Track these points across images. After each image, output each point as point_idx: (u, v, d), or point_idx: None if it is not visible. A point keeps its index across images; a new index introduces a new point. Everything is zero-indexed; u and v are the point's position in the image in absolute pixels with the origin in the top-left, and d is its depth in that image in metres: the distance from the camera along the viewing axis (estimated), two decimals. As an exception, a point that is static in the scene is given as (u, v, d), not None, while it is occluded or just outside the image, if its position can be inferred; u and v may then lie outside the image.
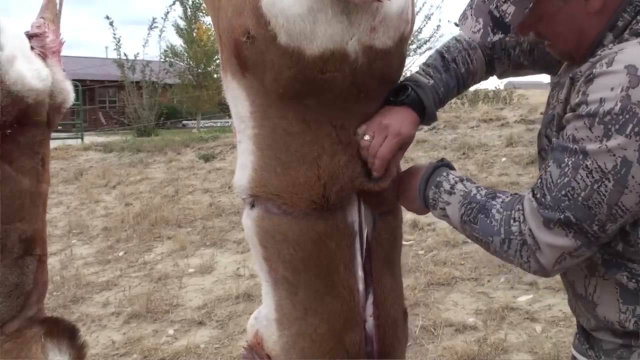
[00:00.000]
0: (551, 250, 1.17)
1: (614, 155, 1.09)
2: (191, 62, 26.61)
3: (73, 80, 2.09)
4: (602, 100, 1.10)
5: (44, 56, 1.89)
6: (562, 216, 1.14)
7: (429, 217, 4.76)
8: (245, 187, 1.39)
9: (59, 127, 14.93)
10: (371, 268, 1.39)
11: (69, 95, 1.98)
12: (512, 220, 1.21)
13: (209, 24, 25.59)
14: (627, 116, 1.07)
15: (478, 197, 1.28)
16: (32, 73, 1.80)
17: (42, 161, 1.90)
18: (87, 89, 22.73)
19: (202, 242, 6.12)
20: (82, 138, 14.83)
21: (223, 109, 32.19)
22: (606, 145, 1.09)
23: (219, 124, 27.85)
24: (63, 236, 6.88)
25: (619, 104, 1.08)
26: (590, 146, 1.11)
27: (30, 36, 1.89)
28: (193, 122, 27.24)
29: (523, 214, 1.20)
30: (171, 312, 4.57)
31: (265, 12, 1.20)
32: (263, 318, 1.48)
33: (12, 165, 1.79)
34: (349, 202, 1.35)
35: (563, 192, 1.14)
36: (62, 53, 1.98)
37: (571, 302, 1.42)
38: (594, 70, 1.14)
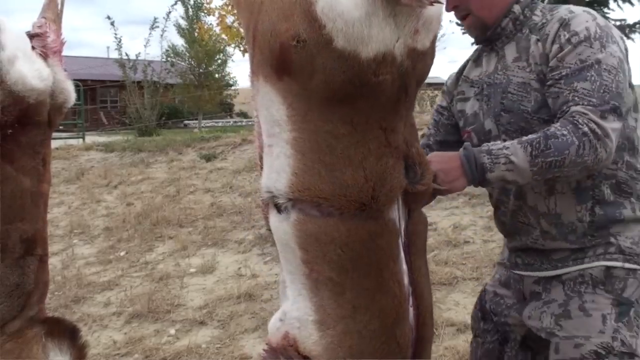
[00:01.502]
0: (614, 134, 1.57)
1: (614, 56, 1.62)
2: (192, 62, 26.67)
3: (74, 80, 2.09)
4: (587, 29, 1.63)
5: (45, 56, 1.88)
6: (609, 106, 1.57)
7: (430, 218, 4.75)
8: (284, 191, 1.38)
9: (60, 127, 14.94)
10: (410, 259, 1.43)
11: (70, 95, 1.98)
12: (578, 126, 1.55)
13: (210, 23, 25.62)
14: (604, 33, 1.64)
15: (532, 136, 1.58)
16: (33, 73, 1.80)
17: (43, 161, 1.90)
18: (88, 88, 22.72)
19: (203, 242, 6.12)
20: (83, 138, 14.83)
21: (224, 109, 32.28)
22: (607, 51, 1.61)
23: (220, 124, 27.90)
24: (64, 236, 6.88)
25: (597, 28, 1.64)
26: (599, 56, 1.60)
27: (32, 36, 1.89)
28: (194, 121, 27.28)
29: (585, 117, 1.56)
30: (172, 312, 4.57)
31: (320, 15, 1.21)
32: (294, 320, 1.47)
33: (13, 165, 1.79)
34: (395, 200, 1.38)
35: (602, 90, 1.58)
36: (64, 53, 1.98)
37: (521, 227, 1.85)
38: (564, 18, 1.67)
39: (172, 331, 4.27)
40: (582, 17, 1.67)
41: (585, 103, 1.57)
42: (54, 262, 5.71)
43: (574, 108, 1.58)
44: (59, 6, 2.04)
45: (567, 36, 1.64)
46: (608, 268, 1.76)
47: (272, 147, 1.39)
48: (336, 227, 1.33)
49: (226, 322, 4.31)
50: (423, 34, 1.30)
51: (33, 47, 1.86)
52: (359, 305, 1.38)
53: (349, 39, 1.21)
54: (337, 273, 1.37)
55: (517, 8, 1.77)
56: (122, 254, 6.13)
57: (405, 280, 1.41)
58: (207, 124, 27.30)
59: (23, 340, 1.80)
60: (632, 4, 20.34)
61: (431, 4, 1.23)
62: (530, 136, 1.58)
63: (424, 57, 1.35)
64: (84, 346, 1.97)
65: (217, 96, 28.19)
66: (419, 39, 1.29)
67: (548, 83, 1.66)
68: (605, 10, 20.97)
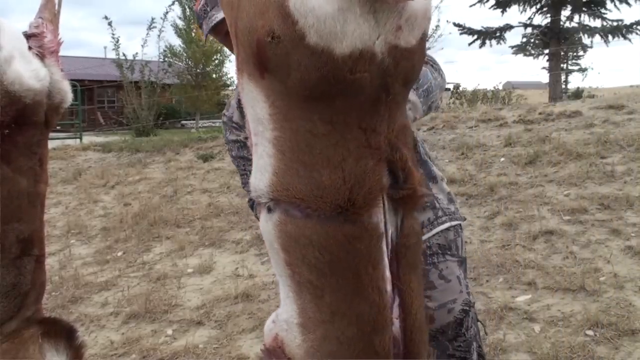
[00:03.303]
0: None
1: None
2: (190, 62, 26.66)
3: (71, 80, 2.08)
4: None
5: (42, 56, 1.88)
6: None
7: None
8: (265, 190, 1.35)
9: (58, 127, 14.93)
10: (398, 272, 1.38)
11: (67, 95, 1.97)
12: (429, 67, 1.91)
13: (208, 24, 25.57)
14: None
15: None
16: (30, 73, 1.80)
17: (40, 161, 1.89)
18: (85, 89, 22.71)
19: (200, 242, 6.12)
20: (80, 138, 14.83)
21: (222, 109, 32.25)
22: None
23: (217, 124, 27.85)
24: (62, 236, 6.87)
25: None
26: None
27: (29, 36, 1.88)
28: (192, 122, 27.29)
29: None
30: (170, 312, 4.57)
31: (292, 11, 1.18)
32: (283, 322, 1.45)
33: (10, 165, 1.78)
34: (379, 204, 1.33)
35: None
36: (61, 53, 1.97)
37: None
38: None
39: (170, 331, 4.27)
40: None
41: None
42: (51, 262, 5.71)
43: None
44: (56, 6, 2.04)
45: None
46: (444, 231, 2.05)
47: (257, 146, 1.38)
48: (314, 229, 1.30)
49: (223, 322, 4.31)
50: (406, 31, 1.25)
51: (30, 47, 1.86)
52: (337, 310, 1.35)
53: (321, 35, 1.18)
54: (317, 276, 1.34)
55: None
56: (119, 254, 6.13)
57: (388, 287, 1.36)
58: (205, 124, 27.27)
59: (20, 341, 1.80)
60: (629, 4, 20.40)
61: None
62: None
63: (410, 56, 1.30)
64: (81, 346, 1.96)
65: (215, 96, 28.16)
66: (401, 35, 1.25)
67: None
68: (603, 10, 21.04)
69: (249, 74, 1.33)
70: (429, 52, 1.93)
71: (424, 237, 2.03)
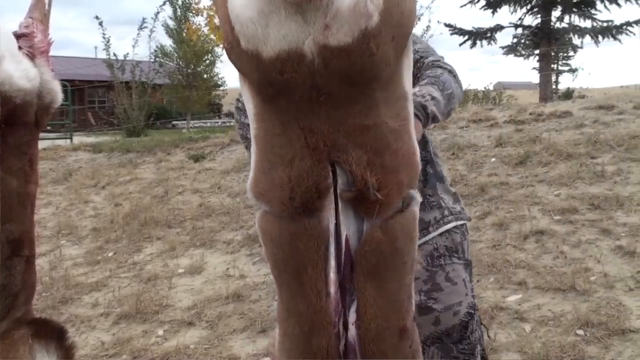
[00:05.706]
0: None
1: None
2: (181, 63, 26.65)
3: (62, 80, 2.07)
4: None
5: (32, 56, 1.88)
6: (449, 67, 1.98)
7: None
8: (249, 186, 1.42)
9: (48, 128, 14.87)
10: (352, 277, 1.37)
11: (58, 95, 1.97)
12: (444, 67, 1.94)
13: (199, 24, 25.65)
14: None
15: (425, 80, 1.87)
16: (20, 73, 1.79)
17: (30, 162, 1.89)
18: (76, 89, 22.62)
19: (191, 242, 6.11)
20: (71, 138, 14.77)
21: (213, 110, 32.24)
22: None
23: (208, 124, 27.88)
24: (52, 237, 6.85)
25: None
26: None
27: (19, 36, 1.88)
28: (183, 122, 27.27)
29: (441, 61, 1.97)
30: (161, 313, 4.56)
31: (230, 18, 1.24)
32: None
33: (0, 165, 1.78)
34: (323, 205, 1.33)
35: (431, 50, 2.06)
36: (51, 53, 1.97)
37: None
38: None
39: (161, 332, 4.26)
40: None
41: (430, 55, 1.97)
42: (41, 263, 5.68)
43: (428, 60, 1.95)
44: (47, 6, 2.03)
45: None
46: (451, 233, 2.07)
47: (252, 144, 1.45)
48: (272, 225, 1.36)
49: (214, 322, 4.30)
50: (335, 29, 1.21)
51: (20, 47, 1.86)
52: (289, 307, 1.40)
53: (248, 39, 1.22)
54: (277, 272, 1.41)
55: None
56: (110, 254, 6.12)
57: (332, 290, 1.35)
58: (196, 125, 27.27)
59: (10, 342, 1.79)
60: (619, 5, 20.50)
61: None
62: (423, 82, 1.87)
63: (344, 54, 1.24)
64: (72, 347, 1.96)
65: (206, 97, 28.17)
66: (330, 34, 1.21)
67: None
68: (593, 11, 21.13)
69: (241, 75, 1.38)
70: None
71: (430, 237, 2.06)
